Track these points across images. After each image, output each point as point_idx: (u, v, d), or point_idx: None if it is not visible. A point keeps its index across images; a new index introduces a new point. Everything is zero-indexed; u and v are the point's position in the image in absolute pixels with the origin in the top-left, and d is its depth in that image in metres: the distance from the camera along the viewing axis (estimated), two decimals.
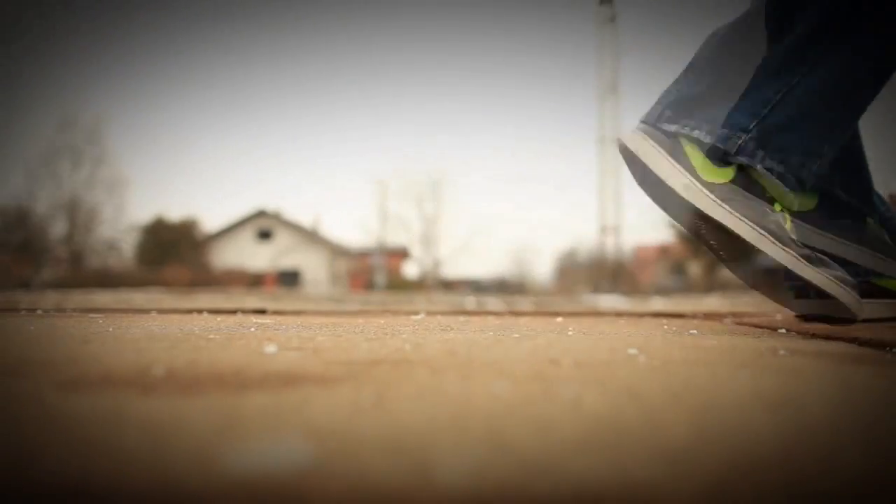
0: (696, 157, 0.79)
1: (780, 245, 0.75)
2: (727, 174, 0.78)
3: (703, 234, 0.81)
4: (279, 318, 1.05)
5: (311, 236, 25.25)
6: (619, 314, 1.30)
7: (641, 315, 1.26)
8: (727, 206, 0.75)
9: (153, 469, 0.21)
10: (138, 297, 4.14)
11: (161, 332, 0.73)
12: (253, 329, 0.78)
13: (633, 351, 0.55)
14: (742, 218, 0.75)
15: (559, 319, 1.09)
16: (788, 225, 0.80)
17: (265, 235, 25.34)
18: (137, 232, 21.23)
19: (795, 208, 0.84)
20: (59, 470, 0.21)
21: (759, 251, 0.75)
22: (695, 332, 0.78)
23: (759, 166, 0.77)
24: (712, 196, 0.76)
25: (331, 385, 0.37)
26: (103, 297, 3.80)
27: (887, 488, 0.20)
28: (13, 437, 0.25)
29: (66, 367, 0.42)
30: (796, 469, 0.21)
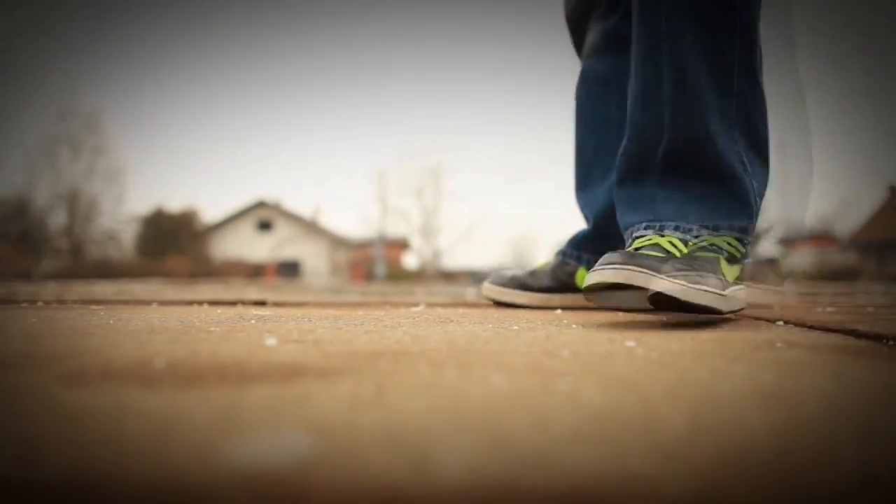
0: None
1: None
2: None
3: None
4: (279, 310, 1.05)
5: (311, 227, 25.26)
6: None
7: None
8: None
9: (154, 463, 0.21)
10: (139, 288, 4.15)
11: (162, 324, 0.73)
12: (253, 321, 0.78)
13: (630, 343, 0.55)
14: None
15: (558, 311, 1.09)
16: None
17: (265, 226, 25.34)
18: (137, 222, 21.23)
19: None
20: (61, 464, 0.21)
21: None
22: (693, 323, 0.78)
23: None
24: None
25: (331, 377, 0.37)
26: (104, 288, 3.80)
27: (885, 484, 0.20)
28: (14, 431, 0.25)
29: (68, 361, 0.43)
30: (792, 464, 0.22)
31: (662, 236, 0.82)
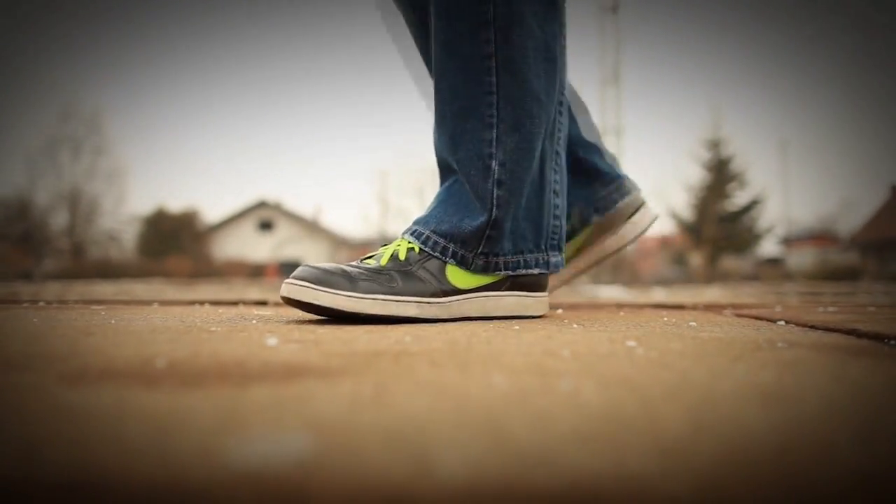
0: None
1: None
2: None
3: None
4: (280, 310, 1.05)
5: (311, 227, 25.27)
6: (619, 305, 1.31)
7: (641, 306, 1.26)
8: None
9: (156, 462, 0.21)
10: (140, 288, 4.15)
11: (163, 324, 0.73)
12: (254, 321, 0.79)
13: (631, 343, 0.55)
14: None
15: (559, 311, 1.09)
16: None
17: (266, 226, 25.36)
18: (138, 223, 21.25)
19: None
20: (62, 463, 0.21)
21: None
22: (693, 323, 0.78)
23: None
24: None
25: (332, 377, 0.37)
26: (105, 289, 3.81)
27: (884, 483, 0.20)
28: (16, 430, 0.25)
29: (69, 360, 0.43)
30: (792, 463, 0.22)
31: (402, 240, 0.87)
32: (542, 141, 0.89)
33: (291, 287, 0.76)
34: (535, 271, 0.90)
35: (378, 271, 0.80)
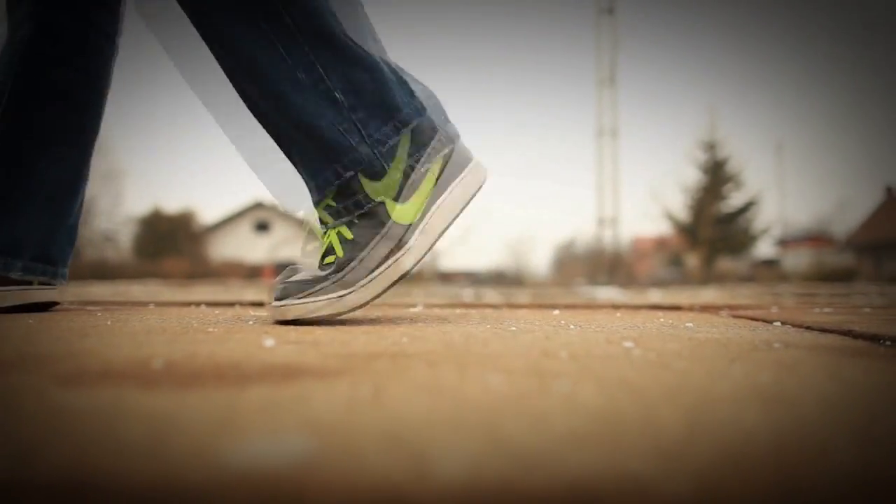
0: None
1: None
2: None
3: None
4: None
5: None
6: (615, 306, 1.31)
7: (638, 307, 1.27)
8: None
9: (153, 463, 0.21)
10: (136, 289, 4.14)
11: (160, 325, 0.73)
12: (251, 322, 0.78)
13: (628, 344, 0.55)
14: None
15: (556, 312, 1.09)
16: None
17: (263, 227, 25.32)
18: (134, 224, 21.19)
19: None
20: (59, 464, 0.21)
21: None
22: (690, 324, 0.78)
23: None
24: None
25: (329, 378, 0.37)
26: (101, 290, 3.80)
27: (882, 484, 0.20)
28: (13, 431, 0.25)
29: (66, 361, 0.43)
30: (790, 464, 0.22)
31: (329, 231, 0.79)
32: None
33: (274, 311, 0.76)
34: (421, 119, 0.78)
35: (336, 266, 0.76)
